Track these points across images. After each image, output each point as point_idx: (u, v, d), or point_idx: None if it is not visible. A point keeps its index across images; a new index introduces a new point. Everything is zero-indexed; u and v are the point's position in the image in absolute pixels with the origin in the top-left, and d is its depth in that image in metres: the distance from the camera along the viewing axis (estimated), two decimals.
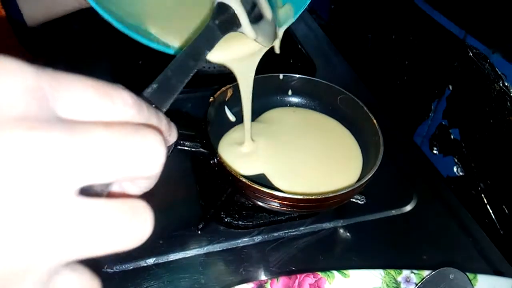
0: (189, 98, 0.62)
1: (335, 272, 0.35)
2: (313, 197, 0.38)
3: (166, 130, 0.19)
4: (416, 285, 0.34)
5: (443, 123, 0.60)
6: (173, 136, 0.20)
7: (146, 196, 0.48)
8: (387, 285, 0.35)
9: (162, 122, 0.18)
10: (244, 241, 0.44)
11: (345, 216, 0.48)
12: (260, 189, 0.38)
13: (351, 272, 0.35)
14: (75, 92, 0.14)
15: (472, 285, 0.32)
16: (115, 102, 0.15)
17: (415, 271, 0.35)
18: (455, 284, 0.32)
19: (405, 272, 0.35)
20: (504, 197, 0.50)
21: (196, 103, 0.60)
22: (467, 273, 0.34)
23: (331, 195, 0.39)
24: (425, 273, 0.35)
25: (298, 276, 0.35)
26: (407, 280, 0.35)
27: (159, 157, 0.16)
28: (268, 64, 0.72)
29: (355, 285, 0.35)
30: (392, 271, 0.35)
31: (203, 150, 0.42)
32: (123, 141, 0.14)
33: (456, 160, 0.58)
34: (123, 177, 0.15)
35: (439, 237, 0.47)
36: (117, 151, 0.14)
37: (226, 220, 0.46)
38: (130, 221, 0.15)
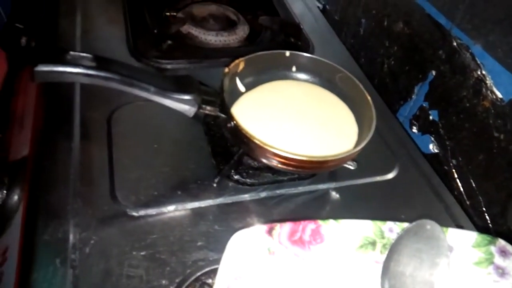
0: (200, 68, 0.67)
1: (332, 220, 0.42)
2: (315, 159, 0.45)
3: None
4: (398, 234, 0.42)
5: (424, 105, 0.67)
6: None
7: (164, 156, 0.55)
8: (374, 233, 0.42)
9: None
10: (251, 195, 0.51)
11: (337, 179, 0.55)
12: (270, 150, 0.45)
13: (344, 221, 0.42)
14: None
15: (445, 234, 0.40)
16: None
17: (397, 223, 0.43)
18: (431, 233, 0.40)
19: (389, 223, 0.43)
20: (472, 173, 0.57)
21: (206, 73, 0.66)
22: None
23: (330, 158, 0.46)
24: (406, 225, 0.42)
25: (302, 222, 0.42)
26: (390, 230, 0.43)
27: None
28: (272, 41, 0.78)
29: (349, 232, 0.42)
30: (378, 222, 0.43)
31: (221, 114, 0.48)
32: None
33: (432, 139, 0.65)
34: None
35: (416, 201, 0.55)
36: None
37: (235, 177, 0.52)
38: None
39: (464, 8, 0.58)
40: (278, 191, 0.52)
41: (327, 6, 0.98)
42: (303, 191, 0.53)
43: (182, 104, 0.44)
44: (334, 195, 0.53)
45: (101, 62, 0.39)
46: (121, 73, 0.39)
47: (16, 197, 0.49)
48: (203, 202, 0.49)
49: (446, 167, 0.62)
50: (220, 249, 0.44)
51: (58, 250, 0.42)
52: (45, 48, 0.44)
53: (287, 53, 0.58)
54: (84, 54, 0.38)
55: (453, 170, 0.61)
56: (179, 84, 0.44)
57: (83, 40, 0.67)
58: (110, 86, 0.40)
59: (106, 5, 0.78)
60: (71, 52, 0.38)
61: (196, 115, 0.49)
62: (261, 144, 0.45)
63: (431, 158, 0.64)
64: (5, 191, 0.48)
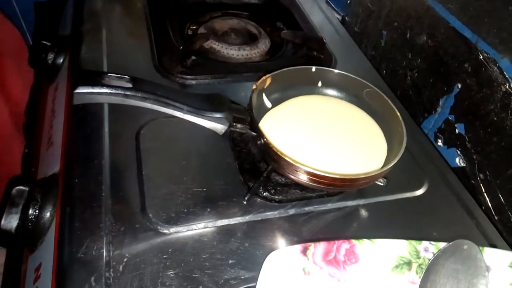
0: (224, 83, 0.68)
1: (366, 240, 0.42)
2: (348, 177, 0.45)
3: None
4: (434, 254, 0.41)
5: (450, 118, 0.66)
6: None
7: (192, 172, 0.55)
8: (409, 253, 0.42)
9: None
10: (279, 212, 0.50)
11: (366, 196, 0.54)
12: (301, 168, 0.44)
13: (378, 241, 0.42)
14: None
15: (482, 254, 0.39)
16: None
17: (432, 242, 0.42)
18: (468, 253, 0.39)
19: (424, 243, 0.42)
20: (500, 187, 0.56)
21: (230, 88, 0.66)
22: None
23: (362, 176, 0.46)
24: (441, 244, 0.42)
25: (336, 242, 0.41)
26: (426, 250, 0.42)
27: None
28: (295, 55, 0.78)
29: (383, 251, 0.41)
30: (413, 242, 0.42)
31: (251, 132, 0.48)
32: None
33: (459, 152, 0.64)
34: None
35: (447, 218, 0.54)
36: None
37: (263, 194, 0.52)
38: None
39: (491, 22, 0.57)
40: (306, 208, 0.51)
41: (346, 18, 0.98)
42: (331, 208, 0.52)
43: (214, 123, 0.45)
44: (364, 212, 0.53)
45: (137, 83, 0.39)
46: (156, 93, 0.40)
47: (48, 214, 0.49)
48: (232, 220, 0.49)
49: (473, 181, 0.61)
50: (252, 267, 0.44)
51: (93, 268, 0.42)
52: (83, 71, 0.44)
53: (313, 68, 0.58)
54: (120, 76, 0.39)
55: (481, 185, 0.60)
56: (211, 103, 0.45)
57: (109, 57, 0.68)
58: (145, 106, 0.40)
59: (130, 22, 0.80)
60: (108, 74, 0.38)
61: (224, 132, 0.49)
62: (293, 162, 0.45)
63: (457, 172, 0.63)
64: (37, 208, 0.49)
